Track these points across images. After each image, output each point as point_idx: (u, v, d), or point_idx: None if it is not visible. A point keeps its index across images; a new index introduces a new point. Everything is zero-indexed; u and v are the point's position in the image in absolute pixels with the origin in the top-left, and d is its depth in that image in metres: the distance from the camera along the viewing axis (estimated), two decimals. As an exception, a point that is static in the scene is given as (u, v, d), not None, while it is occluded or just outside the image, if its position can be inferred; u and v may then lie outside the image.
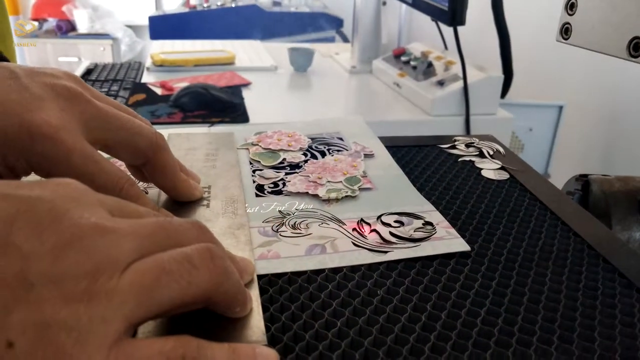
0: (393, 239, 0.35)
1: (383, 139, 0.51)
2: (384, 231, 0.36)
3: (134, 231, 0.20)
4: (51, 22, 2.49)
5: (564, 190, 0.47)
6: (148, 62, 1.28)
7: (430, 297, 0.29)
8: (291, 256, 0.33)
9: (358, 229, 0.36)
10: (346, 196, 0.40)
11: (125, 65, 1.31)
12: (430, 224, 0.37)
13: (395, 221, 0.37)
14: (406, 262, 0.32)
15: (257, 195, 0.40)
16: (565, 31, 0.41)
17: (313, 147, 0.48)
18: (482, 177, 0.45)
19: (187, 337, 0.20)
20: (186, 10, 2.06)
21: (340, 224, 0.36)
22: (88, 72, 1.25)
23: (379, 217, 0.37)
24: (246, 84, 1.15)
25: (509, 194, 0.42)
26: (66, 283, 0.18)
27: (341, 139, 0.50)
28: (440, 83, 1.06)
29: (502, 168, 0.46)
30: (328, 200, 0.39)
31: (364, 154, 0.47)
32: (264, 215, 0.37)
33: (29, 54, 2.44)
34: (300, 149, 0.47)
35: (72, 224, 0.19)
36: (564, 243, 0.35)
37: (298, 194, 0.40)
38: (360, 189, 0.41)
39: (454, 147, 0.51)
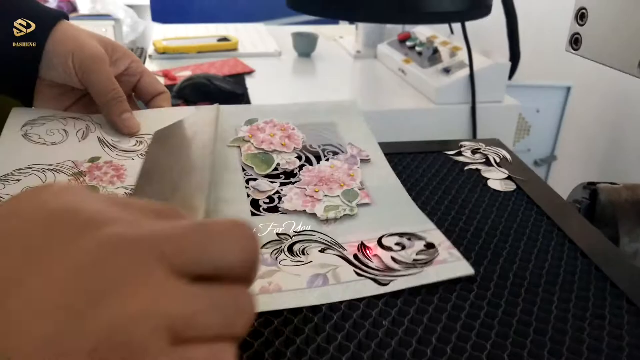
0: (396, 266, 0.34)
1: (389, 145, 0.50)
2: (386, 256, 0.35)
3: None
4: (52, 4, 2.45)
5: (571, 198, 0.47)
6: (150, 50, 1.26)
7: (436, 328, 0.29)
8: (293, 289, 0.32)
9: (359, 255, 0.35)
10: (344, 215, 0.39)
11: (127, 51, 1.30)
12: (432, 245, 0.36)
13: (397, 244, 0.36)
14: (411, 288, 0.32)
15: (253, 214, 0.38)
16: (575, 42, 0.40)
17: (308, 147, 0.45)
18: (488, 188, 0.44)
19: None
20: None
21: (341, 250, 0.35)
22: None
23: (380, 239, 0.37)
24: (250, 72, 1.14)
25: (515, 207, 0.42)
26: None
27: (336, 133, 0.47)
28: (447, 70, 1.04)
29: (509, 178, 0.46)
30: (327, 220, 0.38)
31: (361, 159, 0.45)
32: (262, 240, 0.36)
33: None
34: (295, 149, 0.45)
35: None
36: (572, 265, 0.35)
37: (295, 212, 0.39)
38: (359, 206, 0.40)
39: (460, 153, 0.50)
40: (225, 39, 1.31)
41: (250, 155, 0.44)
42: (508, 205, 0.42)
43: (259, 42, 1.38)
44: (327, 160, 0.44)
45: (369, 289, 0.32)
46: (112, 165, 0.41)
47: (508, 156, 0.49)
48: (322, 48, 1.32)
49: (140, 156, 0.42)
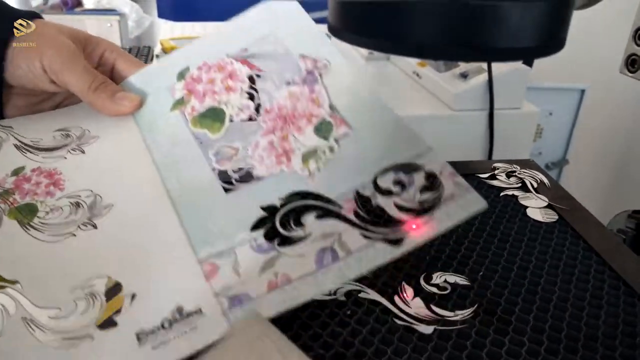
0: (403, 215, 0.30)
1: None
2: (389, 205, 0.31)
3: None
4: (55, -3, 2.42)
5: (614, 226, 0.43)
6: (157, 49, 1.23)
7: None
8: (304, 275, 0.29)
9: (359, 211, 0.31)
10: (326, 158, 0.34)
11: (134, 49, 1.27)
12: (434, 175, 0.31)
13: (395, 183, 0.32)
14: (440, 335, 0.29)
15: (226, 191, 0.34)
16: (632, 63, 0.36)
17: (254, 77, 0.38)
18: (528, 218, 0.41)
19: None
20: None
21: (338, 209, 0.31)
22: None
23: (375, 182, 0.32)
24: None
25: (559, 241, 0.38)
26: None
27: (281, 46, 0.39)
28: (464, 75, 1.01)
29: (549, 206, 0.42)
30: (309, 174, 0.33)
31: (320, 73, 0.37)
32: (249, 220, 0.32)
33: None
34: (242, 89, 0.37)
35: None
36: (630, 312, 0.32)
37: (272, 174, 0.34)
38: (338, 139, 0.34)
39: (494, 176, 0.47)
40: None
41: (197, 117, 0.37)
42: (551, 238, 0.39)
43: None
44: (287, 85, 0.37)
45: (384, 253, 0.29)
46: (42, 172, 0.35)
47: (545, 180, 0.46)
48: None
49: (71, 151, 0.37)
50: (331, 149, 0.34)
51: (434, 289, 0.33)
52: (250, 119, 0.36)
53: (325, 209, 0.31)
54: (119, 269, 0.30)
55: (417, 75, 1.10)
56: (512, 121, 1.00)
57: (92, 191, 0.35)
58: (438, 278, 0.34)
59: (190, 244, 0.32)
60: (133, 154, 0.37)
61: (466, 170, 0.48)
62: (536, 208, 0.42)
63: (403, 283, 0.33)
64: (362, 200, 0.31)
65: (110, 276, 0.30)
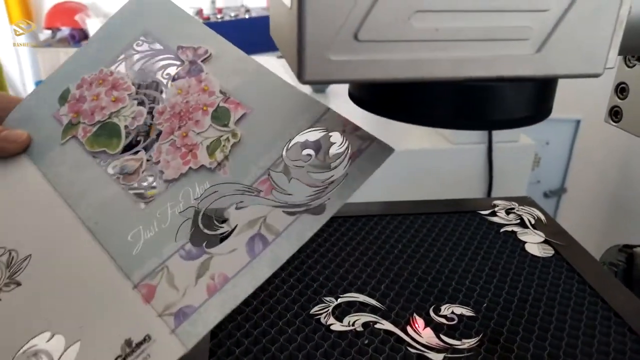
0: (317, 181, 0.30)
1: (420, 204, 0.51)
2: (303, 175, 0.31)
3: None
4: (64, 31, 2.49)
5: (605, 259, 0.47)
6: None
7: (494, 414, 0.29)
8: (240, 269, 0.29)
9: (274, 187, 0.31)
10: (231, 145, 0.33)
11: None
12: (338, 134, 0.32)
13: (303, 152, 0.32)
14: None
15: (141, 205, 0.33)
16: (615, 114, 0.41)
17: (140, 84, 0.37)
18: (526, 252, 0.45)
19: None
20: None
21: (256, 193, 0.31)
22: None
23: (284, 156, 0.32)
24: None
25: (556, 275, 0.42)
26: None
27: (157, 41, 0.38)
28: (463, 110, 1.05)
29: (545, 242, 0.46)
30: (219, 165, 0.32)
31: (202, 60, 0.36)
32: (172, 229, 0.31)
33: (43, 61, 2.45)
34: (130, 97, 0.36)
35: None
36: (620, 342, 0.35)
37: (182, 175, 0.33)
38: (238, 123, 0.33)
39: (494, 213, 0.51)
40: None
41: (91, 137, 0.35)
42: (548, 272, 0.42)
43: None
44: (173, 82, 0.35)
45: (310, 225, 0.29)
46: None
47: (542, 217, 0.50)
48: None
49: None
50: (234, 134, 0.33)
51: (443, 320, 0.37)
52: (147, 125, 0.35)
53: (244, 197, 0.31)
54: (56, 320, 0.30)
55: (418, 109, 1.15)
56: (510, 153, 1.05)
57: (4, 248, 0.33)
58: (446, 310, 0.37)
59: (121, 272, 0.31)
60: (37, 194, 0.35)
61: (468, 207, 0.52)
62: (534, 243, 0.46)
63: (414, 315, 0.37)
64: (276, 177, 0.31)
65: (49, 331, 0.29)
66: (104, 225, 0.33)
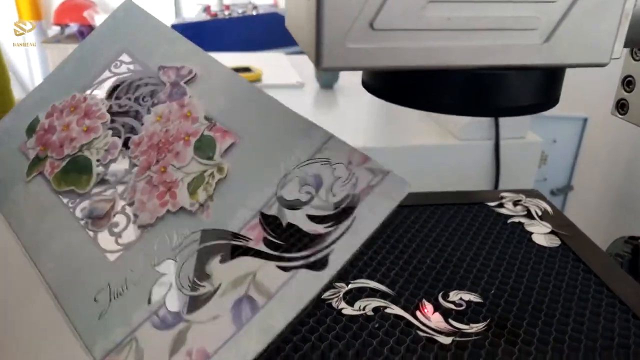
0: (318, 227, 0.25)
1: (428, 195, 0.52)
2: (301, 219, 0.25)
3: None
4: (73, 28, 2.51)
5: (612, 251, 0.48)
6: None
7: (501, 394, 0.30)
8: (223, 342, 0.23)
9: (268, 237, 0.26)
10: (217, 182, 0.28)
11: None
12: (343, 167, 0.26)
13: (302, 189, 0.26)
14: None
15: (109, 257, 0.28)
16: (622, 107, 0.41)
17: (114, 108, 0.32)
18: (533, 243, 0.46)
19: None
20: (207, 18, 2.07)
21: (245, 241, 0.26)
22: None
23: (279, 195, 0.26)
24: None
25: (562, 265, 0.43)
26: None
27: (137, 61, 0.34)
28: (470, 107, 1.06)
29: (552, 232, 0.47)
30: (201, 207, 0.27)
31: (186, 81, 0.31)
32: (145, 287, 0.26)
33: (52, 58, 2.47)
34: (104, 127, 0.31)
35: None
36: (624, 327, 0.36)
37: (159, 219, 0.28)
38: (225, 154, 0.28)
39: (501, 205, 0.52)
40: (247, 69, 1.32)
41: (59, 174, 0.31)
42: (554, 262, 0.43)
43: (281, 72, 1.41)
44: (149, 111, 0.31)
45: (310, 285, 0.24)
46: None
47: (549, 209, 0.51)
48: (344, 78, 1.34)
49: None
50: (219, 169, 0.28)
51: (451, 305, 0.38)
52: (122, 158, 0.31)
53: (230, 246, 0.26)
54: None
55: (425, 106, 1.15)
56: (517, 150, 1.05)
57: None
58: (454, 296, 0.38)
59: (81, 343, 0.26)
60: None
61: (475, 199, 0.53)
62: (540, 234, 0.47)
63: (423, 300, 0.38)
64: (269, 222, 0.26)
65: None
66: (66, 281, 0.28)
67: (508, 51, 0.24)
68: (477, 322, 0.36)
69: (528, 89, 0.25)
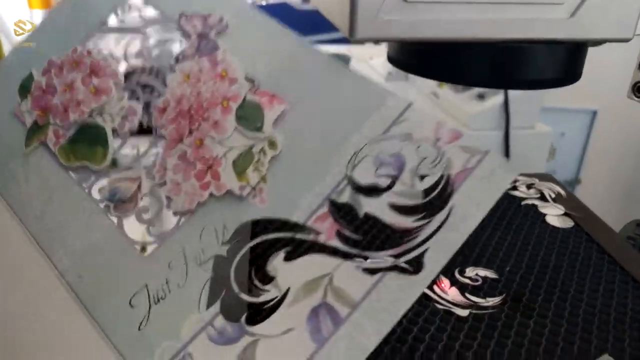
0: (405, 221, 0.20)
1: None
2: (382, 209, 0.21)
3: None
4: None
5: (624, 234, 0.49)
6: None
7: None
8: None
9: (342, 230, 0.21)
10: (270, 159, 0.22)
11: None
12: (429, 143, 0.21)
13: (382, 171, 0.21)
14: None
15: (141, 251, 0.23)
16: (638, 90, 0.42)
17: (127, 63, 0.26)
18: (547, 224, 0.47)
19: None
20: (218, 7, 2.07)
21: (313, 235, 0.21)
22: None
23: (350, 178, 0.21)
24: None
25: (576, 245, 0.44)
26: None
27: (152, 5, 0.27)
28: (481, 96, 1.07)
29: (565, 214, 0.48)
30: (253, 190, 0.22)
31: (215, 33, 0.25)
32: (192, 290, 0.21)
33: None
34: (117, 87, 0.25)
35: None
36: (637, 303, 0.37)
37: (200, 205, 0.22)
38: (276, 125, 0.23)
39: (515, 188, 0.52)
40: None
41: (66, 146, 0.25)
42: (568, 242, 0.44)
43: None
44: (173, 68, 0.24)
45: (403, 292, 0.19)
46: None
47: (562, 192, 0.52)
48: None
49: None
50: (271, 144, 0.23)
51: (468, 281, 0.38)
52: (143, 127, 0.25)
53: (296, 240, 0.21)
54: None
55: (435, 95, 1.16)
56: (526, 141, 1.06)
57: None
58: (471, 272, 0.39)
59: (121, 358, 0.21)
60: None
61: (490, 182, 0.54)
62: (554, 215, 0.47)
63: (441, 276, 0.39)
64: (342, 212, 0.21)
65: None
66: (92, 280, 0.23)
67: (535, 25, 0.25)
68: (493, 296, 0.37)
69: (552, 63, 0.26)
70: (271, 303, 0.21)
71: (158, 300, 0.22)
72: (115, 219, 0.24)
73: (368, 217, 0.21)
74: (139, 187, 0.25)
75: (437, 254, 0.20)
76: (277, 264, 0.21)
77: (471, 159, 0.21)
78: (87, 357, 0.21)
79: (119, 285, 0.23)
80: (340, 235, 0.21)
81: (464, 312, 0.35)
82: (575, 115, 1.40)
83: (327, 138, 0.23)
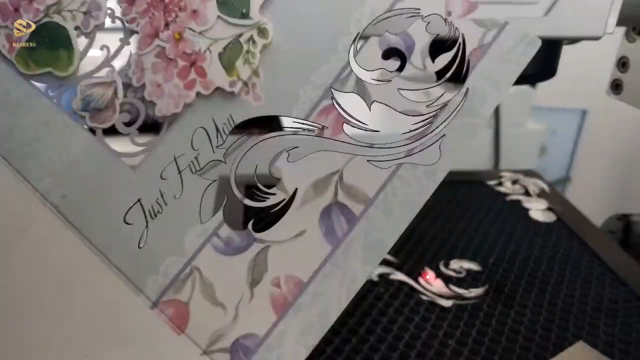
0: (418, 106, 0.18)
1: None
2: (389, 95, 0.19)
3: None
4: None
5: (605, 228, 0.50)
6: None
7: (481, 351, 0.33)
8: (320, 266, 0.18)
9: (347, 118, 0.19)
10: (261, 49, 0.20)
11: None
12: (440, 20, 0.19)
13: (387, 51, 0.19)
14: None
15: (132, 155, 0.21)
16: (616, 87, 0.43)
17: None
18: (530, 218, 0.48)
19: None
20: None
21: (314, 131, 0.19)
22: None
23: (352, 63, 0.20)
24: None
25: (557, 238, 0.45)
26: None
27: None
28: (471, 95, 1.08)
29: (548, 209, 0.49)
30: (245, 85, 0.20)
31: None
32: (191, 200, 0.20)
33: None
34: None
35: None
36: (614, 293, 0.38)
37: (187, 107, 0.20)
38: (264, 9, 0.20)
39: (500, 184, 0.54)
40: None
41: (24, 52, 0.22)
42: (550, 235, 0.45)
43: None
44: None
45: (420, 183, 0.19)
46: None
47: (545, 187, 0.53)
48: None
49: None
50: (261, 30, 0.20)
51: (452, 273, 0.40)
52: (116, 23, 0.21)
53: (298, 138, 0.20)
54: None
55: (427, 94, 1.17)
56: (517, 139, 1.07)
57: None
58: (455, 264, 0.41)
59: (124, 279, 0.20)
60: None
61: (475, 178, 0.55)
62: (537, 210, 0.49)
63: (426, 268, 0.40)
64: (346, 102, 0.20)
65: None
66: (78, 200, 0.21)
67: (512, 23, 0.26)
68: (476, 287, 0.38)
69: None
70: (278, 207, 0.19)
71: (155, 215, 0.20)
72: (98, 130, 0.22)
73: (377, 106, 0.19)
74: (115, 92, 0.22)
75: (455, 141, 0.19)
76: (280, 164, 0.20)
77: (487, 33, 0.20)
78: (86, 279, 0.20)
79: (109, 202, 0.21)
80: (348, 129, 0.20)
81: (447, 303, 0.37)
82: (566, 114, 1.41)
83: (325, 20, 0.20)
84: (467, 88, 0.19)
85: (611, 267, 0.41)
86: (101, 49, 0.22)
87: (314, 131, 0.20)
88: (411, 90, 0.19)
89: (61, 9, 0.22)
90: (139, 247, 0.20)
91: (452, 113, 0.19)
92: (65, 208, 0.21)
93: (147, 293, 0.20)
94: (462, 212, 0.49)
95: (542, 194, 0.52)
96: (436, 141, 0.19)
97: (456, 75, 0.19)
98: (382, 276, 0.39)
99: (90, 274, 0.20)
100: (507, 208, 0.50)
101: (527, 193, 0.52)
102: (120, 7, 0.22)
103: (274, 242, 0.19)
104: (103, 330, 0.20)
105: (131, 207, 0.21)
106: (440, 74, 0.19)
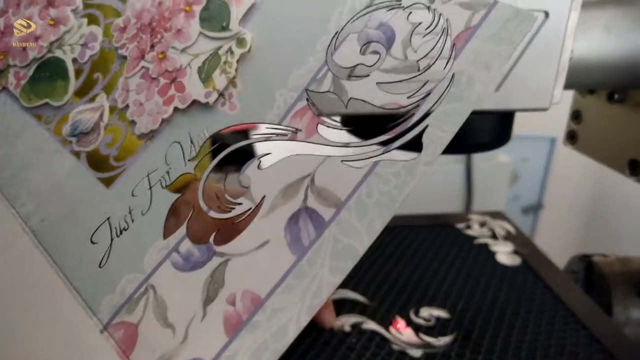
0: (398, 98, 0.18)
1: (400, 218, 0.56)
2: (367, 91, 0.18)
3: None
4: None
5: (569, 268, 0.52)
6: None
7: (466, 399, 0.34)
8: (281, 279, 0.17)
9: (322, 118, 0.19)
10: (238, 58, 0.20)
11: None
12: (423, 6, 0.18)
13: (368, 49, 0.19)
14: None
15: (106, 183, 0.21)
16: (571, 137, 0.46)
17: None
18: (497, 262, 0.50)
19: None
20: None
21: (287, 135, 0.18)
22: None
23: (329, 62, 0.19)
24: None
25: (523, 282, 0.47)
26: None
27: None
28: (443, 131, 1.11)
29: (514, 252, 0.51)
30: (221, 96, 0.20)
31: None
32: (157, 216, 0.19)
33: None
34: (75, 12, 0.24)
35: None
36: (574, 337, 0.40)
37: (165, 122, 0.20)
38: (244, 22, 0.20)
39: (469, 226, 0.56)
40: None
41: (27, 86, 0.23)
42: (516, 279, 0.47)
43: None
44: None
45: (397, 180, 0.18)
46: None
47: (511, 229, 0.55)
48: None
49: None
50: (240, 41, 0.20)
51: (422, 321, 0.41)
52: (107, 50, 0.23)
53: (270, 144, 0.19)
54: None
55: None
56: (488, 171, 1.11)
57: None
58: (425, 312, 0.42)
59: (79, 301, 0.19)
60: None
61: (445, 221, 0.57)
62: (503, 253, 0.51)
63: (397, 317, 0.42)
64: (322, 102, 0.19)
65: None
66: (54, 222, 0.21)
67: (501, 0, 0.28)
68: (445, 335, 0.40)
69: (483, 130, 0.30)
70: (243, 217, 0.18)
71: (121, 233, 0.20)
72: (82, 154, 0.22)
73: (352, 100, 0.18)
74: (101, 116, 0.22)
75: (438, 131, 0.17)
76: (250, 172, 0.19)
77: (474, 15, 0.18)
78: (53, 306, 0.19)
79: (82, 222, 0.20)
80: (322, 129, 0.19)
81: (417, 353, 0.38)
82: (537, 142, 1.46)
83: (301, 22, 0.20)
84: (453, 73, 0.17)
85: (573, 310, 0.43)
86: (95, 75, 0.23)
87: (287, 135, 0.19)
88: (390, 82, 0.18)
89: (62, 44, 0.24)
90: (100, 267, 0.19)
91: (436, 102, 0.17)
92: (42, 232, 0.21)
93: (101, 314, 0.19)
94: (433, 257, 0.50)
95: (508, 236, 0.54)
96: (418, 133, 0.17)
97: (440, 62, 0.18)
98: (354, 326, 0.40)
99: (56, 296, 0.20)
100: (475, 252, 0.52)
101: (494, 235, 0.54)
102: (114, 35, 0.23)
103: (235, 254, 0.18)
104: (58, 356, 0.19)
105: (99, 226, 0.20)
106: (423, 62, 0.18)
